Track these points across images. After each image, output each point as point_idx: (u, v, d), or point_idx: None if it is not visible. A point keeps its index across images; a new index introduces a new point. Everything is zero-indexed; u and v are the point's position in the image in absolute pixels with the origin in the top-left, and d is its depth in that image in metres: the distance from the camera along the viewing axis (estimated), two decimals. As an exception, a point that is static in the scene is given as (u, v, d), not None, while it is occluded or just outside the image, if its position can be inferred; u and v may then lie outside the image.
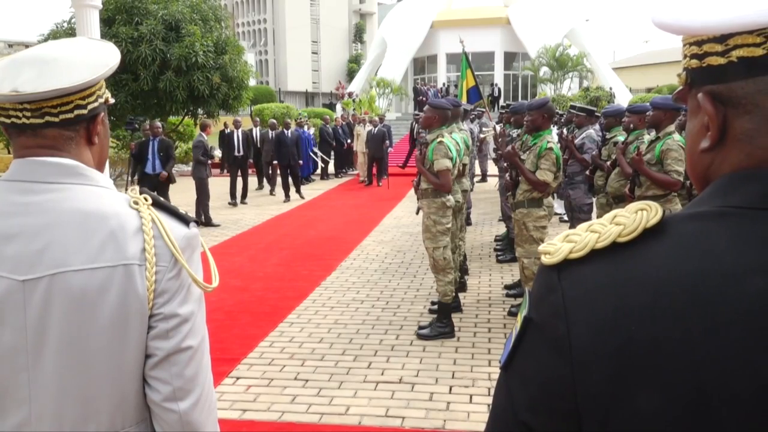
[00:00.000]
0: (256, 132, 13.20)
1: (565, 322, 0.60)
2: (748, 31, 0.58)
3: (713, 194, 0.63)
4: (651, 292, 0.58)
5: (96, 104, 1.09)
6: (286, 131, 12.48)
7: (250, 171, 12.19)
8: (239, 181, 11.69)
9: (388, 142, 14.22)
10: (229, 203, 11.50)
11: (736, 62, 0.60)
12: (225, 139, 12.04)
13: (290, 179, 12.36)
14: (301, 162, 12.94)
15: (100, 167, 1.14)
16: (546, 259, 0.64)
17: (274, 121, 14.14)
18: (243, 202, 11.84)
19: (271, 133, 12.89)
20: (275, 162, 12.77)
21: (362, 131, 14.83)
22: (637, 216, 0.62)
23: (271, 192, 13.24)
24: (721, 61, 0.61)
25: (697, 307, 0.56)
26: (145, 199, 1.09)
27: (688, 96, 0.68)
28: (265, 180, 13.84)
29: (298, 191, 12.40)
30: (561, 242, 0.64)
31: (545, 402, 0.61)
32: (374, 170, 14.57)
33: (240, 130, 11.70)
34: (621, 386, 0.57)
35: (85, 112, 1.07)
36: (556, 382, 0.60)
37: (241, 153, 11.63)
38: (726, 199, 0.61)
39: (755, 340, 0.54)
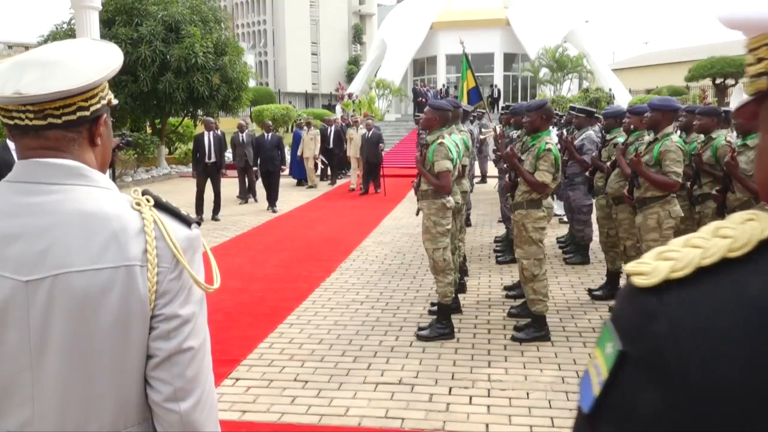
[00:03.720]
0: (242, 136, 11.51)
1: (678, 356, 0.49)
2: None
3: None
4: None
5: (98, 106, 1.10)
6: (266, 135, 11.43)
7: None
8: (212, 193, 9.95)
9: (382, 145, 13.31)
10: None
11: None
12: (197, 143, 10.14)
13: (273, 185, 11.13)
14: (284, 167, 11.74)
15: (102, 168, 1.15)
16: (640, 281, 0.53)
17: (243, 122, 12.53)
18: (215, 218, 9.97)
19: (241, 136, 11.42)
20: (254, 168, 11.52)
21: (355, 135, 13.76)
22: (746, 227, 0.52)
23: (254, 199, 12.11)
24: None
25: None
26: (147, 201, 1.09)
27: (761, 108, 0.57)
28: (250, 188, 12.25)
29: (273, 203, 11.01)
30: (654, 260, 0.54)
31: None
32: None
33: (212, 133, 9.93)
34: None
35: (87, 113, 1.08)
36: (668, 426, 0.50)
37: (213, 159, 9.87)
38: None
39: None
